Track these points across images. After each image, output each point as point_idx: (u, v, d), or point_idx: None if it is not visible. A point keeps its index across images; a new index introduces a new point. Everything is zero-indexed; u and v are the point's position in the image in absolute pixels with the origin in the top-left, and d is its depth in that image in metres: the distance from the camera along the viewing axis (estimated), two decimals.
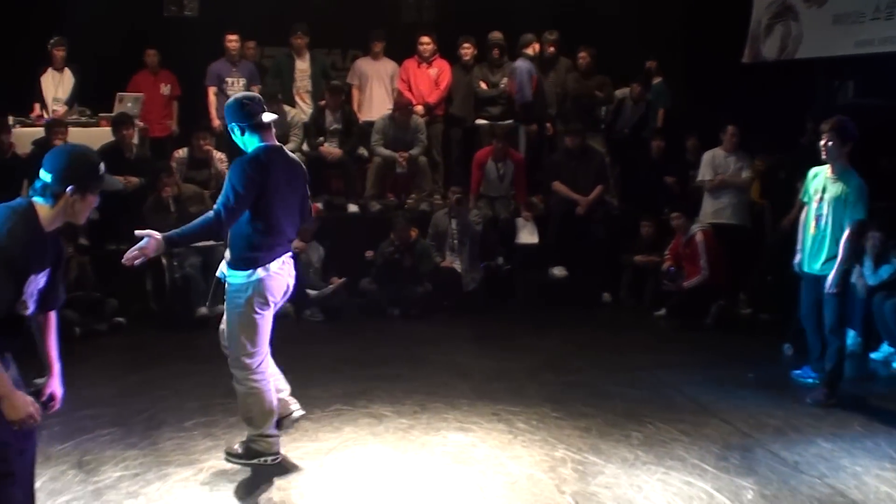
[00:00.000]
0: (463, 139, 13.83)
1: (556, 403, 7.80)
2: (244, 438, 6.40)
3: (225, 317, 6.44)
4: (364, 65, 13.85)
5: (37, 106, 12.73)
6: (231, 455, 6.39)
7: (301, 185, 6.57)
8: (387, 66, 13.77)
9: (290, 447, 6.70)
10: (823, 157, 8.15)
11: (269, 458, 6.34)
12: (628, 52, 13.99)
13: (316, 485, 6.07)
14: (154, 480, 6.12)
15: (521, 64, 13.17)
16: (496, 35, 13.52)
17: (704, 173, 11.74)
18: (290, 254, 6.46)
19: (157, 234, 5.88)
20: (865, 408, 7.87)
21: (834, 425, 7.35)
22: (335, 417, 7.44)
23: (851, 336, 9.57)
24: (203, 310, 10.59)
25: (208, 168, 11.96)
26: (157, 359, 9.28)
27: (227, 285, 6.31)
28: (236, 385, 6.33)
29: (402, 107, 12.85)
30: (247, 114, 6.18)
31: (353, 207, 12.67)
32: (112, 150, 11.57)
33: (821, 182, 8.23)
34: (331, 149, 12.72)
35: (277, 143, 6.47)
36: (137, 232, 5.96)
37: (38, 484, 5.95)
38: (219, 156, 12.04)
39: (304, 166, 6.69)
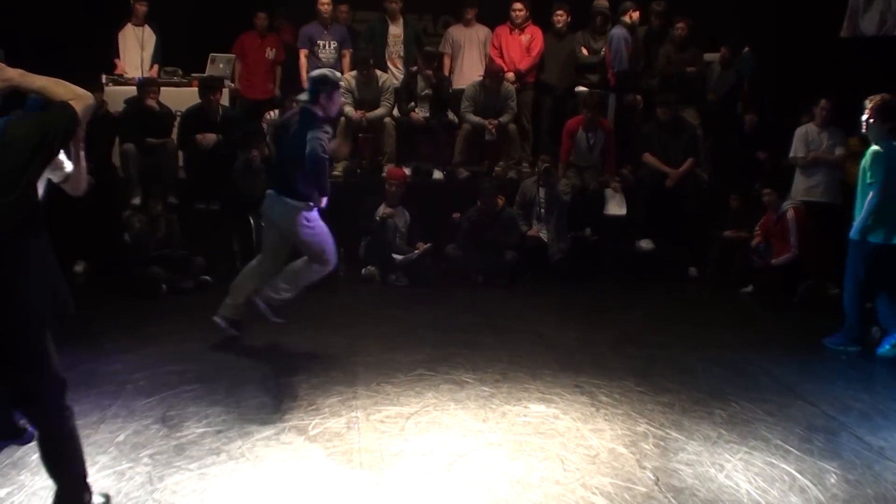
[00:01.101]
0: (553, 107, 13.75)
1: (639, 377, 7.74)
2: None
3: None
4: (456, 32, 13.83)
5: (118, 62, 12.84)
6: None
7: None
8: (479, 32, 13.73)
9: (371, 410, 6.75)
10: (864, 131, 8.70)
11: None
12: (723, 25, 13.77)
13: (397, 449, 6.08)
14: (236, 438, 6.18)
15: (617, 31, 13.05)
16: (601, 2, 13.41)
17: (797, 149, 11.53)
18: None
19: None
20: None
21: None
22: (417, 382, 7.45)
23: None
24: None
25: None
26: (242, 318, 9.36)
27: None
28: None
29: (492, 73, 12.81)
30: None
31: (438, 174, 12.68)
32: (196, 113, 11.69)
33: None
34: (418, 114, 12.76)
35: None
36: None
37: (121, 437, 6.10)
38: None
39: None
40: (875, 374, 8.19)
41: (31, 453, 5.50)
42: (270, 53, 13.70)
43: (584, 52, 13.45)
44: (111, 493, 5.28)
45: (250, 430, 6.33)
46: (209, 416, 6.58)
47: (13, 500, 5.24)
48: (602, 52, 13.28)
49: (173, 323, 9.15)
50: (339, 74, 8.41)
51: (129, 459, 5.78)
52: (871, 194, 8.55)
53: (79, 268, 11.15)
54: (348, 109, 12.59)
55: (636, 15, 13.20)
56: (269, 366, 7.76)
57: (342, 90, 12.64)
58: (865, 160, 8.68)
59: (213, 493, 5.37)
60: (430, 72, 12.80)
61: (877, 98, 8.53)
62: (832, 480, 5.82)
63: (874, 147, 8.65)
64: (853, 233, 8.72)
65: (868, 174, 8.60)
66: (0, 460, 5.69)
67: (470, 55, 13.68)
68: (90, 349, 8.07)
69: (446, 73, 13.62)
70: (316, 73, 8.13)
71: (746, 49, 13.82)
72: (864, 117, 8.59)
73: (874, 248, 8.63)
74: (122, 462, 5.73)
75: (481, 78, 13.02)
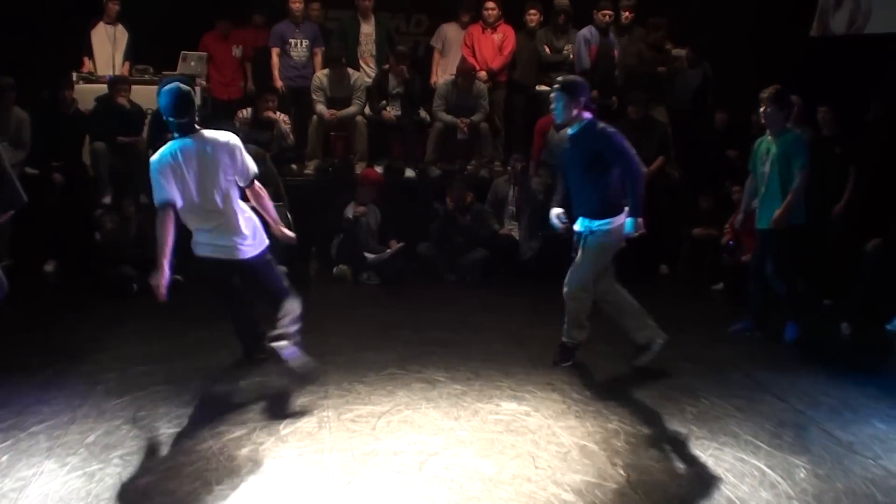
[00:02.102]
0: (526, 106, 13.76)
1: (610, 375, 7.80)
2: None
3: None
4: (450, 30, 13.83)
5: (87, 60, 12.78)
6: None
7: None
8: None
9: (342, 409, 6.75)
10: (763, 122, 8.97)
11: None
12: (696, 23, 13.81)
13: (368, 448, 6.08)
14: (207, 438, 6.16)
15: (582, 32, 13.09)
16: (562, 1, 13.43)
17: None
18: None
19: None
20: None
21: (891, 406, 7.24)
22: (388, 381, 7.46)
23: None
24: None
25: (271, 129, 11.99)
26: (212, 318, 9.31)
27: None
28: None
29: (465, 72, 12.82)
30: None
31: (410, 172, 12.69)
32: None
33: (764, 147, 9.00)
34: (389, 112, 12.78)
35: None
36: None
37: (91, 438, 6.08)
38: (282, 117, 12.08)
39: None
40: (844, 370, 8.22)
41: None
42: (237, 51, 13.65)
43: (547, 50, 13.47)
44: (81, 494, 5.26)
45: (221, 430, 6.32)
46: (180, 416, 6.57)
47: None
48: (564, 51, 13.30)
49: (144, 323, 9.12)
50: None
51: (100, 461, 5.75)
52: (800, 178, 8.71)
53: (49, 267, 11.11)
54: (320, 108, 12.58)
55: (609, 14, 13.18)
56: (240, 366, 7.73)
57: (314, 88, 12.70)
58: (785, 148, 8.81)
59: (184, 495, 5.35)
60: (401, 69, 12.81)
61: (770, 89, 8.77)
62: (802, 475, 5.85)
63: (796, 132, 9.06)
64: (786, 220, 8.83)
65: (794, 160, 8.76)
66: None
67: (457, 56, 13.67)
68: (60, 349, 8.05)
69: (435, 68, 13.64)
70: None
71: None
72: (762, 109, 8.81)
73: (797, 228, 8.88)
74: (93, 463, 5.70)
75: (453, 76, 13.04)
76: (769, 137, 8.99)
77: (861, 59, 11.97)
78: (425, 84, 13.52)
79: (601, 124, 7.70)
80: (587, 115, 7.80)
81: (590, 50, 13.12)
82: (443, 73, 13.68)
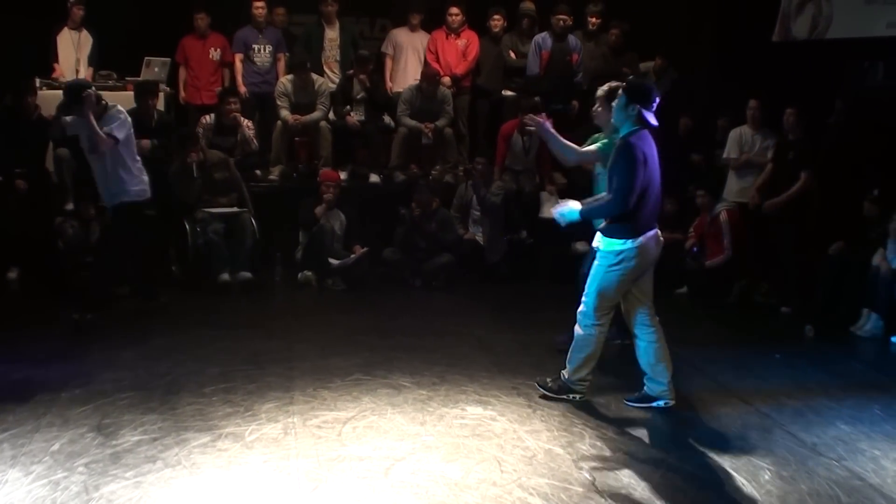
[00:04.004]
0: (490, 112, 13.78)
1: None
2: (560, 376, 7.34)
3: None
4: (400, 35, 13.78)
5: (57, 67, 12.70)
6: (544, 388, 7.37)
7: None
8: (423, 38, 13.73)
9: (307, 415, 6.74)
10: (596, 122, 8.30)
11: (578, 396, 7.27)
12: (660, 28, 13.88)
13: (334, 454, 6.07)
14: (172, 445, 6.14)
15: (536, 37, 13.15)
16: (528, 5, 13.49)
17: (730, 151, 11.59)
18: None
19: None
20: (886, 392, 7.83)
21: (853, 408, 7.32)
22: (354, 387, 7.44)
23: (873, 319, 9.57)
24: (225, 276, 10.67)
25: (235, 135, 11.96)
26: (177, 324, 9.31)
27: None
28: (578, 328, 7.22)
29: (429, 77, 12.82)
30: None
31: (374, 178, 12.69)
32: (131, 117, 11.59)
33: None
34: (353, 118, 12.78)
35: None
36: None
37: (56, 446, 6.04)
38: (246, 122, 12.05)
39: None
40: (808, 373, 8.30)
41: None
42: (215, 54, 13.44)
43: (512, 55, 13.51)
44: (46, 503, 5.23)
45: (186, 437, 6.30)
46: (145, 423, 6.53)
47: None
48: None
49: (108, 330, 9.07)
50: None
51: (65, 469, 5.72)
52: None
53: (12, 275, 11.01)
54: (284, 113, 12.56)
55: (565, 20, 13.18)
56: (205, 372, 7.69)
57: (278, 93, 12.67)
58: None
59: (150, 502, 5.33)
60: (363, 77, 12.81)
61: (605, 86, 8.10)
62: (766, 477, 5.90)
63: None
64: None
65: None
66: None
67: (413, 60, 13.65)
68: (24, 357, 8.00)
69: (387, 74, 13.63)
70: None
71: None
72: (593, 108, 8.20)
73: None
74: (58, 471, 5.67)
75: (418, 82, 13.04)
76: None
77: (823, 63, 12.07)
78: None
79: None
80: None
81: (540, 55, 13.12)
82: (395, 79, 13.67)
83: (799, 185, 10.41)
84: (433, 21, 13.74)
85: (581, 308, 7.18)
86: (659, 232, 7.16)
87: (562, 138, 7.92)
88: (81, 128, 8.99)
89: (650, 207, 7.01)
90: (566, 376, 7.31)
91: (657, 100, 7.18)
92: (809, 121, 10.87)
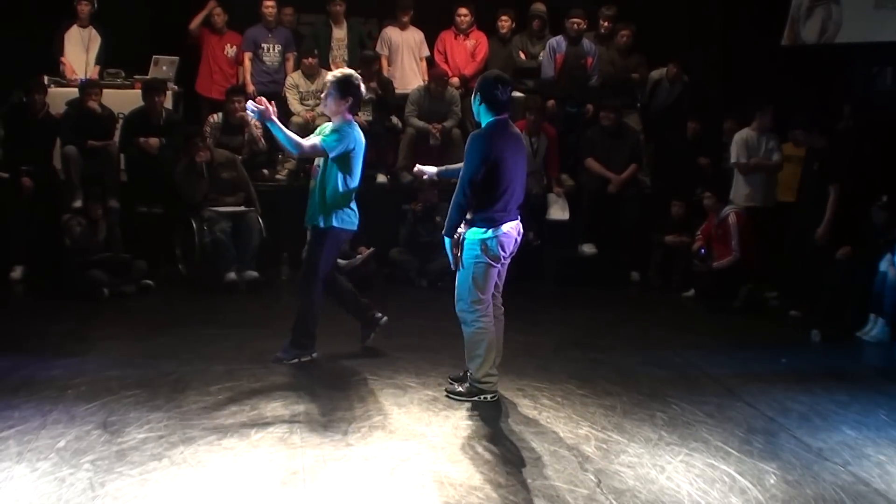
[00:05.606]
0: None
1: (581, 381, 7.80)
2: (467, 378, 7.30)
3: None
4: (392, 34, 13.78)
5: (67, 64, 12.69)
6: (453, 394, 7.28)
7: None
8: (415, 35, 13.75)
9: (313, 415, 6.74)
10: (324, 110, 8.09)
11: (489, 396, 7.21)
12: (668, 32, 13.87)
13: (339, 454, 6.07)
14: (178, 443, 6.14)
15: (551, 40, 13.13)
16: (539, 6, 13.50)
17: (738, 155, 11.61)
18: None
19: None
20: (892, 397, 7.80)
21: (859, 413, 7.30)
22: (360, 387, 7.46)
23: (880, 325, 9.56)
24: (231, 275, 10.67)
25: (242, 134, 11.96)
26: (184, 322, 9.32)
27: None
28: (464, 327, 7.24)
29: (437, 78, 12.82)
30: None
31: (381, 178, 12.69)
32: (139, 115, 11.63)
33: None
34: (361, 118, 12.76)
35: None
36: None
37: (62, 443, 6.04)
38: (254, 121, 12.03)
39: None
40: (814, 377, 8.27)
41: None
42: (230, 51, 13.46)
43: (522, 56, 13.50)
44: (52, 499, 5.23)
45: (192, 435, 6.29)
46: (151, 421, 6.53)
47: None
48: (540, 57, 13.32)
49: (115, 327, 9.09)
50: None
51: (71, 465, 5.72)
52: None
53: (16, 273, 11.01)
54: (297, 106, 12.61)
55: (580, 23, 13.17)
56: (211, 371, 7.70)
57: (289, 86, 12.67)
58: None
59: (155, 499, 5.32)
60: (373, 84, 12.76)
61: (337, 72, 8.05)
62: (772, 481, 5.88)
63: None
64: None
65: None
66: None
67: (408, 58, 13.66)
68: (30, 354, 8.01)
69: (384, 75, 13.61)
70: None
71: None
72: (324, 93, 7.96)
73: (340, 232, 8.47)
74: (63, 468, 5.67)
75: (426, 82, 13.05)
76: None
77: (832, 68, 12.07)
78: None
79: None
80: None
81: (555, 59, 13.12)
82: (395, 78, 13.62)
83: (832, 205, 10.34)
84: (439, 21, 13.74)
85: (458, 308, 7.27)
86: (520, 223, 7.24)
87: (287, 130, 7.73)
88: None
89: (507, 198, 7.04)
90: (471, 377, 7.29)
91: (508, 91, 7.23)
92: (818, 126, 10.86)
